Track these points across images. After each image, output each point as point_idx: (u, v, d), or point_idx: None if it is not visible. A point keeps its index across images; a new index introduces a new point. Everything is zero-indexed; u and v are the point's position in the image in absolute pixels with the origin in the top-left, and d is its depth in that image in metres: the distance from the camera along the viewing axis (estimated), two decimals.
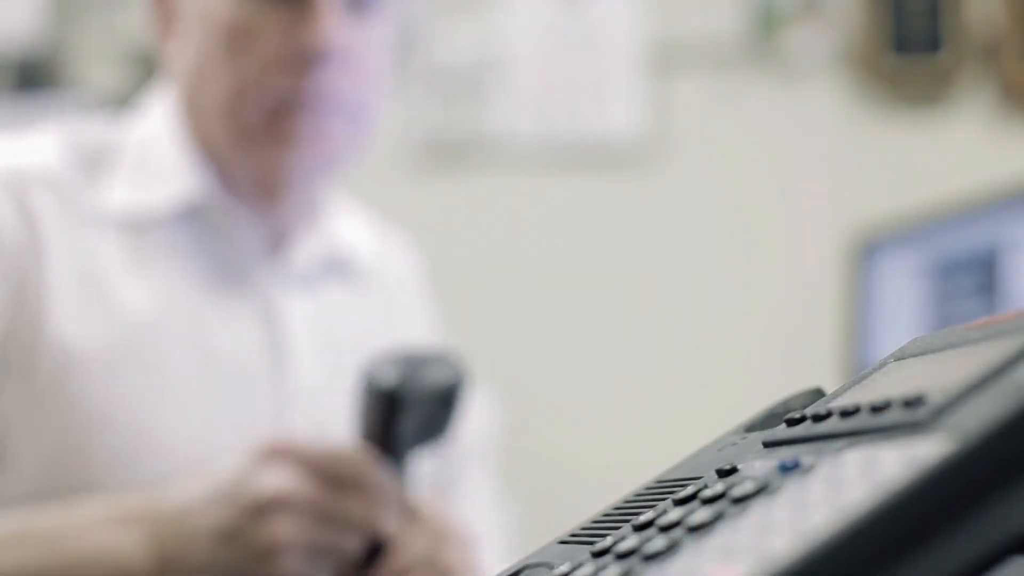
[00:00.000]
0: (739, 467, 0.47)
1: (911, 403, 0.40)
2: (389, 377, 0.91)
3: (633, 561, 0.41)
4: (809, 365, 1.78)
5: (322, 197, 1.12)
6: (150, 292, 1.03)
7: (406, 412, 0.90)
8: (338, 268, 1.15)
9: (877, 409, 0.42)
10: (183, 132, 1.07)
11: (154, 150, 1.07)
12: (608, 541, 0.45)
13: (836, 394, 0.51)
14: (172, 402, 1.01)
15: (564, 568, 0.46)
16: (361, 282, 1.17)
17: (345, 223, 1.19)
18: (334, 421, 1.05)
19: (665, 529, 0.42)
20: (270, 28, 1.01)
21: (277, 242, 1.10)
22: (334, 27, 1.01)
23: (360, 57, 1.04)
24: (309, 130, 1.03)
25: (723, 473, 0.46)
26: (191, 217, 1.07)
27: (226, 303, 1.06)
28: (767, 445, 0.48)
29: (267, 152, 1.03)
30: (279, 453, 0.88)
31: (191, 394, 1.01)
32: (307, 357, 1.08)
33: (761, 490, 0.41)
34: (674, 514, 0.43)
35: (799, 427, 0.47)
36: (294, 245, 1.11)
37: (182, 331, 1.03)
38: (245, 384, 1.04)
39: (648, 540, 0.42)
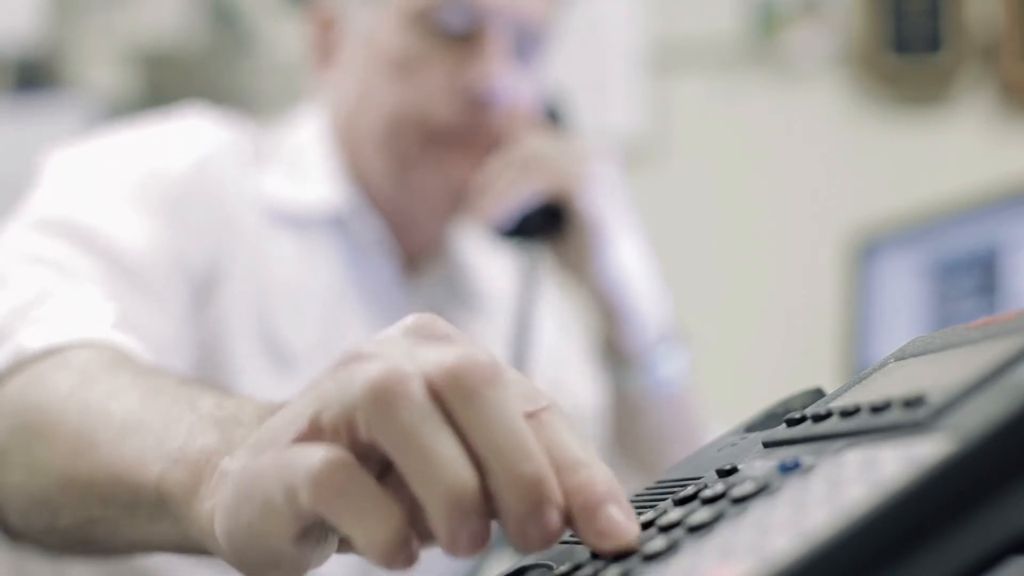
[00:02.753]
0: (739, 467, 0.47)
1: (911, 403, 0.40)
2: None
3: (633, 561, 0.41)
4: (809, 365, 1.78)
5: (453, 228, 1.14)
6: (293, 288, 1.04)
7: None
8: (463, 293, 1.16)
9: (877, 409, 0.42)
10: (333, 152, 1.10)
11: (305, 160, 1.09)
12: None
13: (836, 394, 0.51)
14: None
15: (564, 568, 0.46)
16: (485, 305, 1.18)
17: (472, 249, 1.20)
18: None
19: (665, 529, 0.42)
20: (439, 63, 1.04)
21: (407, 265, 1.12)
22: (502, 69, 1.04)
23: (517, 101, 1.07)
24: (463, 164, 1.06)
25: (723, 473, 0.46)
26: (335, 225, 1.08)
27: (359, 311, 1.07)
28: (767, 445, 0.48)
29: (420, 181, 1.06)
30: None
31: None
32: None
33: (761, 490, 0.41)
34: (674, 514, 0.43)
35: (799, 427, 0.47)
36: (423, 271, 1.13)
37: (315, 331, 1.03)
38: None
39: (648, 540, 0.42)
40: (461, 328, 1.16)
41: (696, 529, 0.40)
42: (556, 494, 0.43)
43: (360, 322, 1.07)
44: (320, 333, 1.03)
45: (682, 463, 0.55)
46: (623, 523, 0.43)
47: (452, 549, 0.43)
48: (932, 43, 2.25)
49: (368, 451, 0.44)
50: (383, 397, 0.42)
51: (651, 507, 0.47)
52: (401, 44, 1.04)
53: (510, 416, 0.43)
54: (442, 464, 0.42)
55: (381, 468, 0.45)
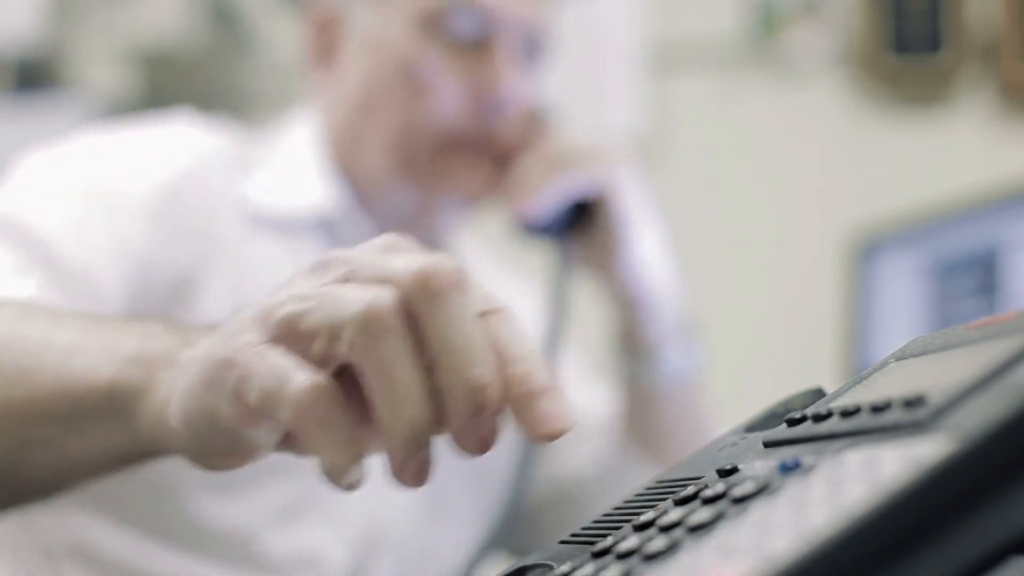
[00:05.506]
0: (740, 467, 0.47)
1: (912, 403, 0.40)
2: None
3: (634, 561, 0.41)
4: (809, 365, 1.78)
5: (450, 234, 1.14)
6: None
7: None
8: None
9: (878, 409, 0.42)
10: (326, 153, 1.09)
11: (296, 163, 1.09)
12: (609, 541, 0.45)
13: (837, 394, 0.51)
14: None
15: (565, 568, 0.46)
16: None
17: (472, 259, 1.19)
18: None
19: (666, 529, 0.42)
20: (450, 69, 1.04)
21: None
22: (512, 76, 1.05)
23: (522, 105, 1.07)
24: (471, 171, 1.06)
25: (724, 473, 0.46)
26: (323, 227, 1.07)
27: None
28: (768, 445, 0.48)
29: (425, 185, 1.06)
30: None
31: None
32: None
33: (762, 490, 0.41)
34: (675, 514, 0.43)
35: (800, 427, 0.47)
36: None
37: None
38: None
39: (649, 540, 0.42)
40: None
41: (696, 529, 0.40)
42: (496, 403, 0.47)
43: None
44: None
45: (682, 463, 0.55)
46: (558, 412, 0.47)
47: (400, 475, 0.47)
48: (932, 43, 2.25)
49: (331, 361, 0.48)
50: (373, 326, 0.47)
51: (651, 507, 0.47)
52: (410, 48, 1.04)
53: (467, 321, 0.47)
54: (409, 398, 0.47)
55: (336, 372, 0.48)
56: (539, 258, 1.13)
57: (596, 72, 2.40)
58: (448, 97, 1.04)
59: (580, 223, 1.08)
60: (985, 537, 0.35)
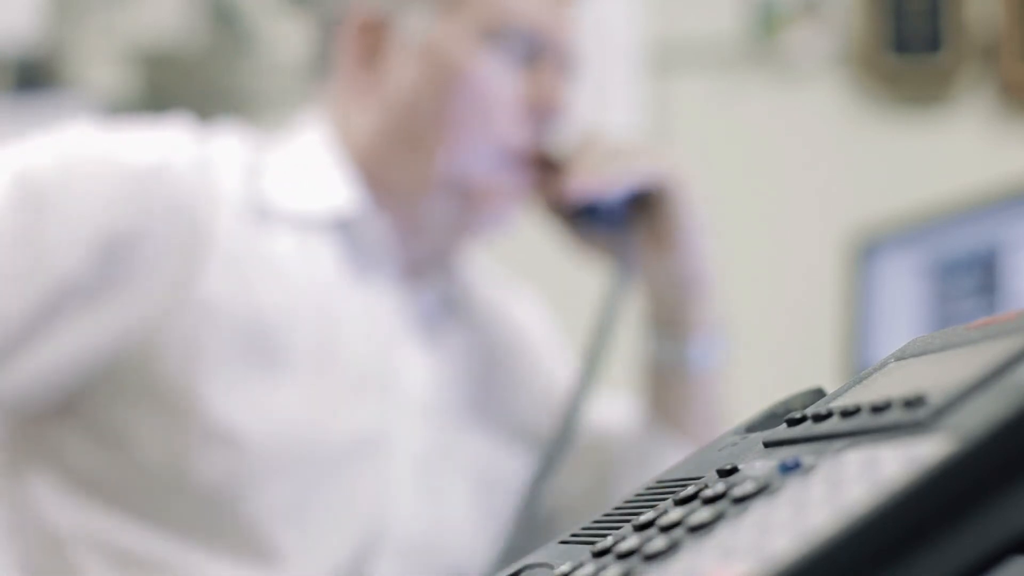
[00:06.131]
0: (740, 467, 0.47)
1: (912, 403, 0.40)
2: None
3: (634, 561, 0.41)
4: (809, 365, 1.78)
5: (467, 245, 1.15)
6: (288, 283, 1.03)
7: None
8: (457, 307, 1.16)
9: (878, 409, 0.42)
10: (345, 154, 1.09)
11: (311, 162, 1.09)
12: (609, 541, 0.45)
13: (837, 394, 0.51)
14: (284, 386, 1.00)
15: (565, 568, 0.46)
16: (479, 320, 1.18)
17: (473, 266, 1.20)
18: (448, 441, 1.08)
19: (666, 529, 0.42)
20: (510, 85, 1.06)
21: (408, 270, 1.11)
22: (564, 92, 1.09)
23: (567, 119, 1.11)
24: (517, 185, 1.08)
25: (724, 473, 0.46)
26: (338, 226, 1.07)
27: (356, 312, 1.06)
28: (768, 445, 0.48)
29: (474, 198, 1.07)
30: None
31: (304, 386, 1.01)
32: (421, 371, 1.09)
33: (762, 490, 0.41)
34: (675, 514, 0.43)
35: (800, 427, 0.47)
36: (423, 277, 1.13)
37: (309, 326, 1.03)
38: (357, 385, 1.04)
39: (649, 540, 0.42)
40: (450, 335, 1.16)
41: (696, 529, 0.40)
42: None
43: (356, 323, 1.06)
44: (315, 332, 1.03)
45: (682, 463, 0.55)
46: None
47: None
48: (932, 43, 2.25)
49: None
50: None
51: (651, 507, 0.47)
52: (476, 62, 1.05)
53: None
54: None
55: None
56: (539, 260, 1.14)
57: (596, 72, 2.40)
58: (509, 113, 1.06)
59: (637, 212, 1.11)
60: (985, 537, 0.35)
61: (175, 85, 2.61)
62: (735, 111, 2.35)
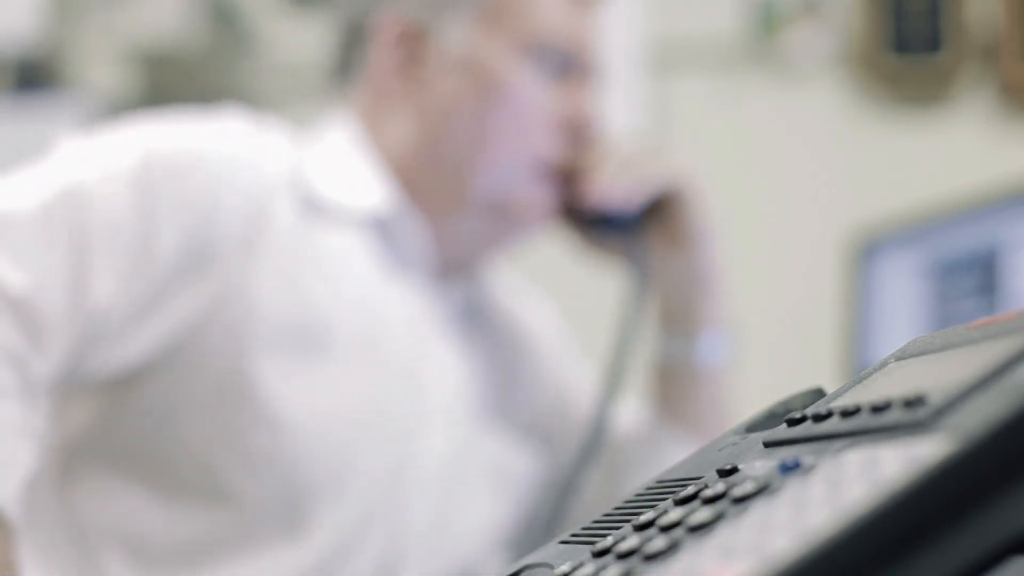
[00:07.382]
0: (740, 467, 0.47)
1: (912, 403, 0.40)
2: None
3: (634, 561, 0.41)
4: (809, 365, 1.78)
5: (495, 255, 1.16)
6: (332, 275, 1.04)
7: None
8: (480, 312, 1.17)
9: (878, 409, 0.42)
10: (377, 156, 1.10)
11: (346, 162, 1.09)
12: (609, 541, 0.45)
13: (837, 394, 0.51)
14: (328, 374, 1.01)
15: (565, 568, 0.46)
16: (498, 325, 1.19)
17: (500, 283, 1.21)
18: (470, 451, 1.09)
19: (666, 529, 0.42)
20: (548, 99, 1.07)
21: (439, 272, 1.12)
22: (596, 108, 1.10)
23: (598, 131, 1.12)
24: (547, 198, 1.10)
25: (724, 473, 0.46)
26: (378, 227, 1.08)
27: (394, 306, 1.07)
28: (768, 445, 0.48)
29: (507, 209, 1.08)
30: None
31: (347, 376, 1.02)
32: (449, 370, 1.10)
33: (762, 490, 0.41)
34: (675, 514, 0.43)
35: (800, 427, 0.47)
36: (452, 281, 1.13)
37: (352, 318, 1.03)
38: (396, 378, 1.05)
39: (649, 540, 0.42)
40: (472, 337, 1.17)
41: (697, 529, 0.40)
42: None
43: (394, 318, 1.07)
44: (358, 324, 1.04)
45: (683, 463, 0.55)
46: None
47: None
48: (932, 43, 2.25)
49: None
50: None
51: (651, 507, 0.47)
52: (514, 76, 1.06)
53: None
54: None
55: None
56: (553, 265, 1.14)
57: None
58: (545, 128, 1.07)
59: (650, 215, 1.12)
60: (985, 537, 0.35)
61: (175, 85, 2.61)
62: (735, 111, 2.35)
